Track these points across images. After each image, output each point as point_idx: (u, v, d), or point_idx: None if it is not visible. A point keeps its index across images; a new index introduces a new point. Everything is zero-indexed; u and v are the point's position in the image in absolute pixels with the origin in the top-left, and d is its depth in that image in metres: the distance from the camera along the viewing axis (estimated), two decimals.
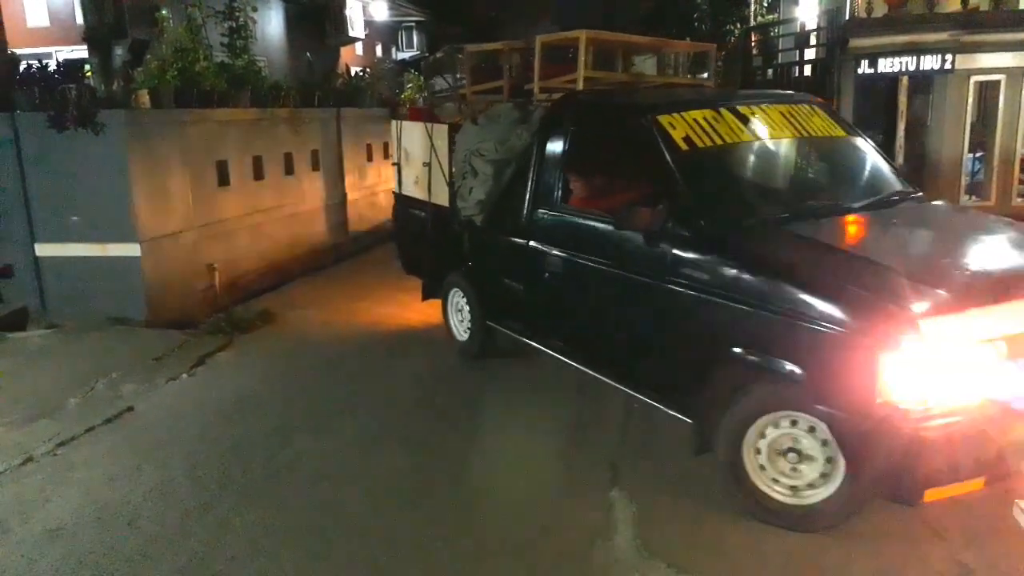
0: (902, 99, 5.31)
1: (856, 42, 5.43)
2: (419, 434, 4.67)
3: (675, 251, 3.76)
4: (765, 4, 15.16)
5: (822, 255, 3.51)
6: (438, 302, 6.20)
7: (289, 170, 9.06)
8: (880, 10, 7.18)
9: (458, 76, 6.73)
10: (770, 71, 6.69)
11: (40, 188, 6.80)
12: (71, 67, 7.40)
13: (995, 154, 5.65)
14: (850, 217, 3.99)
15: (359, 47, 23.17)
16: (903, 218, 4.03)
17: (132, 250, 6.75)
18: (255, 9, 9.28)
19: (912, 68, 5.25)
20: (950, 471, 2.99)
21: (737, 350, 3.46)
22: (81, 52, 7.66)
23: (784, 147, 4.52)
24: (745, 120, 4.32)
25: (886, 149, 5.31)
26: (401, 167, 6.49)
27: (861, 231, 3.93)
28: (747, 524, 3.51)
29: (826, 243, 3.67)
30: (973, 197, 5.70)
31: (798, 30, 6.74)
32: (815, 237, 3.69)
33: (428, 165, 5.92)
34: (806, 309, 3.16)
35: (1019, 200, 6.05)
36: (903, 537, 3.38)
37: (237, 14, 9.14)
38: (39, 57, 7.92)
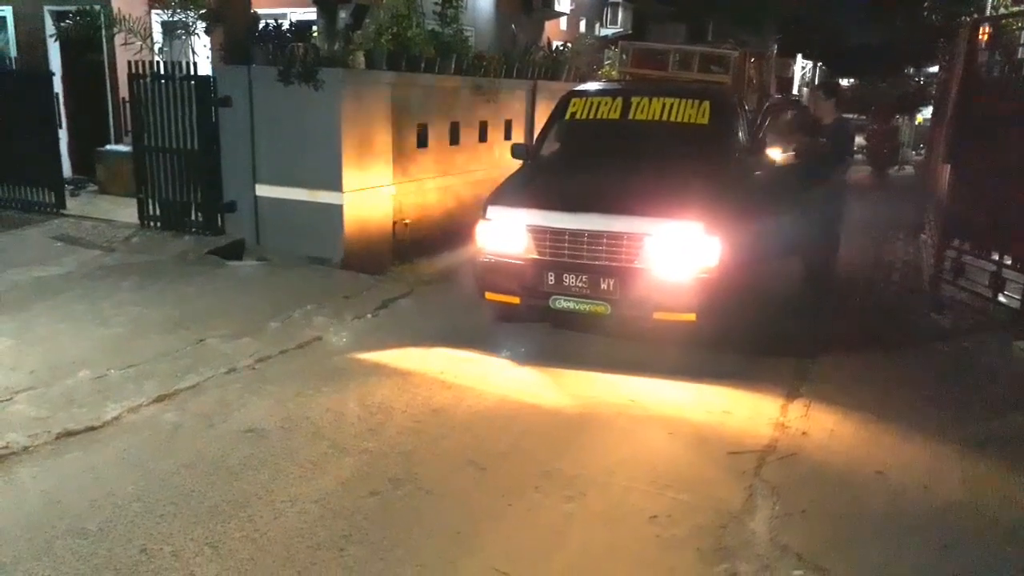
0: None
1: None
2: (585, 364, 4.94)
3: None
4: None
5: (527, 184, 6.08)
6: None
7: (483, 137, 9.46)
8: None
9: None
10: (997, 69, 6.07)
11: (264, 134, 7.61)
12: (301, 27, 8.15)
13: None
14: (614, 166, 5.95)
15: (563, 21, 23.37)
16: (646, 171, 5.79)
17: (336, 198, 7.39)
18: None
19: None
20: (499, 287, 5.62)
21: None
22: (311, 14, 8.39)
23: (636, 123, 6.32)
24: (627, 106, 6.37)
25: None
26: None
27: (599, 175, 5.86)
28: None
29: (551, 178, 6.18)
30: None
31: None
32: (563, 174, 6.22)
33: None
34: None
35: None
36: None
37: None
38: (276, 17, 8.75)
